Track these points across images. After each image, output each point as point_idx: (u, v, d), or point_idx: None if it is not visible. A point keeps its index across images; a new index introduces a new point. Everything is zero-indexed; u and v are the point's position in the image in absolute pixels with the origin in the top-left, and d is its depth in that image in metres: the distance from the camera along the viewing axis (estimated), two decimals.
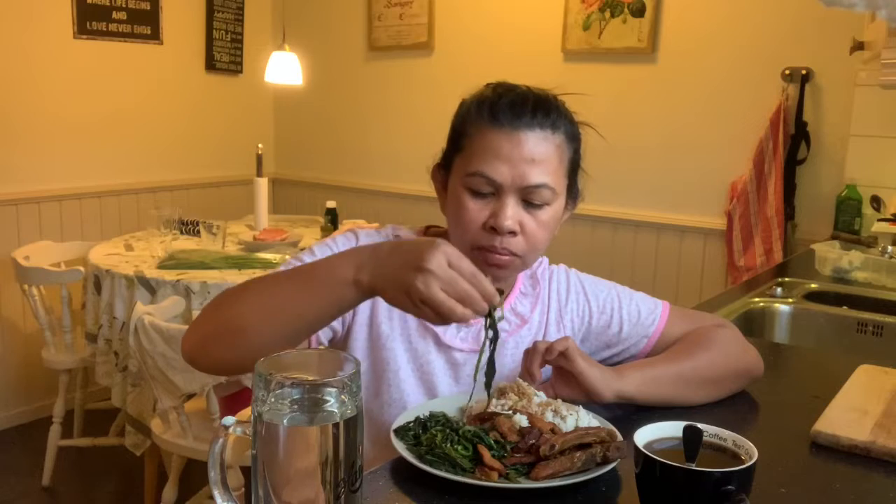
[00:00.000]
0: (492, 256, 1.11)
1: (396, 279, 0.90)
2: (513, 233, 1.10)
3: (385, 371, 1.18)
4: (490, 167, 1.09)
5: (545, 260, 1.30)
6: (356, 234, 1.20)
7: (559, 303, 1.26)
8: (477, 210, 1.11)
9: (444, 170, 1.19)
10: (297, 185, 4.40)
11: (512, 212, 1.09)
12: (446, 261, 0.88)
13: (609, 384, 1.09)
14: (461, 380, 1.20)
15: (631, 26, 3.19)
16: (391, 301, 0.92)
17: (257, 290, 1.00)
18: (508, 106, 1.10)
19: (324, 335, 1.16)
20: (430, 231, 1.27)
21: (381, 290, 0.92)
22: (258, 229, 3.20)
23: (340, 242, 1.18)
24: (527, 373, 1.10)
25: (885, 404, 1.14)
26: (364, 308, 1.18)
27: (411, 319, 1.18)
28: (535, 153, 1.09)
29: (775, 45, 2.93)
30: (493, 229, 1.09)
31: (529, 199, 1.10)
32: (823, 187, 2.89)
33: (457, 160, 1.15)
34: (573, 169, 1.18)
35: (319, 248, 1.16)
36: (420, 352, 1.19)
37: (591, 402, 1.08)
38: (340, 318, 1.16)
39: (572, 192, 1.20)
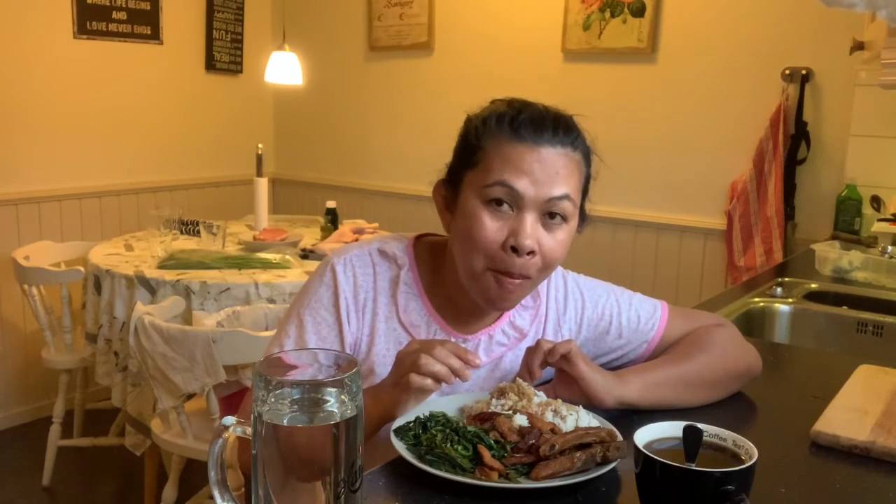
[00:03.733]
0: (506, 280, 1.06)
1: (395, 390, 1.01)
2: (532, 252, 1.05)
3: None
4: (513, 177, 1.04)
5: None
6: (332, 270, 1.15)
7: (557, 312, 1.24)
8: (495, 229, 1.05)
9: (450, 186, 1.14)
10: (297, 185, 4.39)
11: (531, 230, 1.05)
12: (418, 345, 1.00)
13: (610, 390, 1.08)
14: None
15: (631, 26, 3.19)
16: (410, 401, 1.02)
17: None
18: (529, 121, 1.06)
19: None
20: (424, 240, 1.22)
21: (393, 404, 1.02)
22: (258, 229, 3.20)
23: (325, 297, 1.14)
24: (527, 370, 1.09)
25: (885, 404, 1.14)
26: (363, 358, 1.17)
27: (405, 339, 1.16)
28: (559, 167, 1.06)
29: (775, 45, 2.93)
30: (514, 250, 1.04)
31: (551, 211, 1.06)
32: (823, 187, 2.89)
33: (469, 175, 1.09)
34: (585, 188, 1.15)
35: (309, 314, 1.14)
36: None
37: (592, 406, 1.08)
38: None
39: (582, 214, 1.17)
